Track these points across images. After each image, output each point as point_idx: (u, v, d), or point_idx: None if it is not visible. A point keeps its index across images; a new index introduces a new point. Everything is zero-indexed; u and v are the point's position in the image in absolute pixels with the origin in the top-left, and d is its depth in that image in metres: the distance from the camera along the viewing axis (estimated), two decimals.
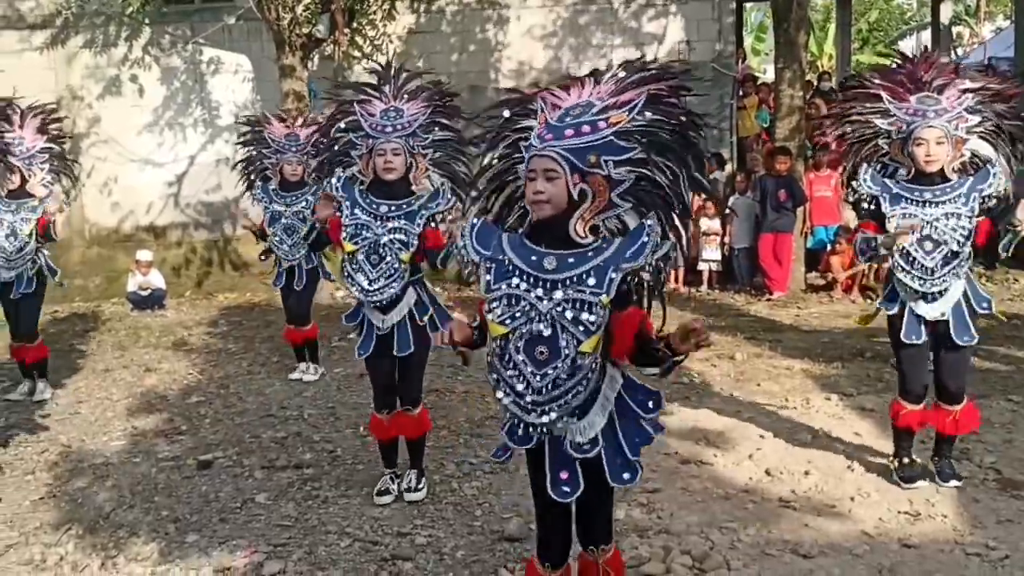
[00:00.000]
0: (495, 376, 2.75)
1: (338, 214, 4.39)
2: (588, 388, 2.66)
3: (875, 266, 8.92)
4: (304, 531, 4.24)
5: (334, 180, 4.41)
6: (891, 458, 4.63)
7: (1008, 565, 3.69)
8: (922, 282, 4.21)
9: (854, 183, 4.44)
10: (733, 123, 11.85)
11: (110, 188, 11.68)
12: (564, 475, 2.74)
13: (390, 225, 4.29)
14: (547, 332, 2.62)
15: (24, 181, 6.28)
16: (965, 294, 4.28)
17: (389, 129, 4.29)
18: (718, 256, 10.47)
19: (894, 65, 4.77)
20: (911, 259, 4.20)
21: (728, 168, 11.37)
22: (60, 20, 11.17)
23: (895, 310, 4.36)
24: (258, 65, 11.47)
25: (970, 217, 4.16)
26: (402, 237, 4.28)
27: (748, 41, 20.54)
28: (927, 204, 4.21)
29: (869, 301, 8.76)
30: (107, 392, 6.86)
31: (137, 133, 11.58)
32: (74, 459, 5.35)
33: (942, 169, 4.24)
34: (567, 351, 2.61)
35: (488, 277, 2.71)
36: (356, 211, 4.31)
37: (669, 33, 11.66)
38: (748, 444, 5.14)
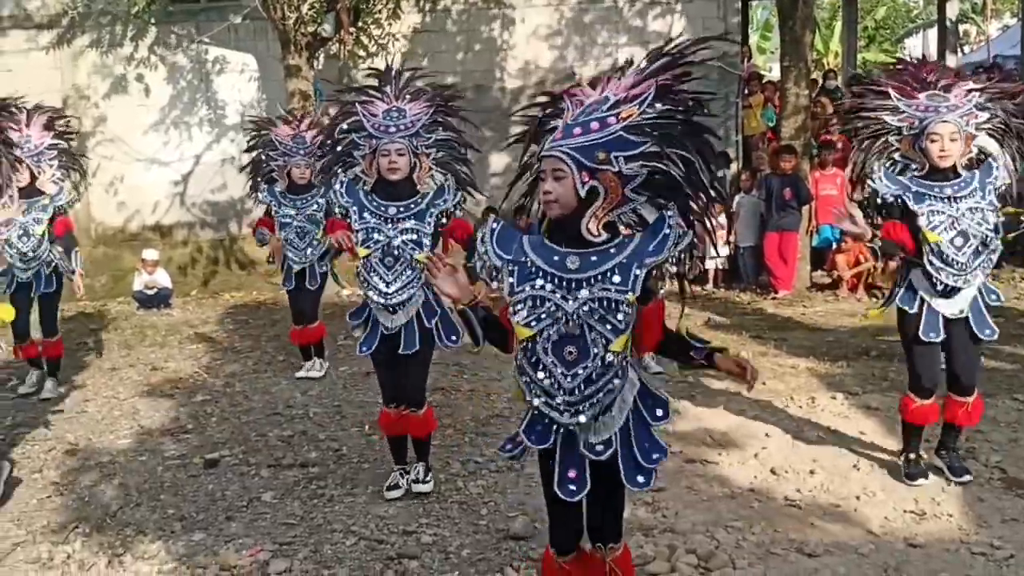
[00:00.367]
0: (525, 379, 2.74)
1: (347, 221, 4.37)
2: (618, 387, 2.68)
3: (881, 265, 8.90)
4: (310, 529, 4.25)
5: (337, 187, 4.39)
6: (899, 454, 4.64)
7: (1013, 564, 3.69)
8: (956, 277, 4.21)
9: (871, 184, 4.42)
10: (738, 122, 11.84)
11: (116, 187, 11.71)
12: (572, 474, 2.75)
13: (401, 226, 4.29)
14: (574, 332, 2.63)
15: (34, 179, 6.30)
16: (979, 289, 4.30)
17: (392, 129, 4.28)
18: (724, 254, 10.46)
19: (897, 67, 4.77)
20: (944, 256, 4.20)
21: (733, 167, 11.36)
22: (66, 20, 11.20)
23: (916, 308, 4.34)
24: (263, 64, 11.49)
25: (992, 210, 4.19)
26: (414, 237, 4.29)
27: (753, 39, 20.51)
28: (951, 200, 4.21)
29: (875, 299, 8.75)
30: (114, 391, 6.89)
31: (143, 132, 11.61)
32: (81, 457, 5.37)
33: (954, 164, 4.25)
34: (596, 350, 2.62)
35: (511, 280, 2.70)
36: (365, 215, 4.31)
37: (675, 31, 11.65)
38: (753, 443, 5.14)
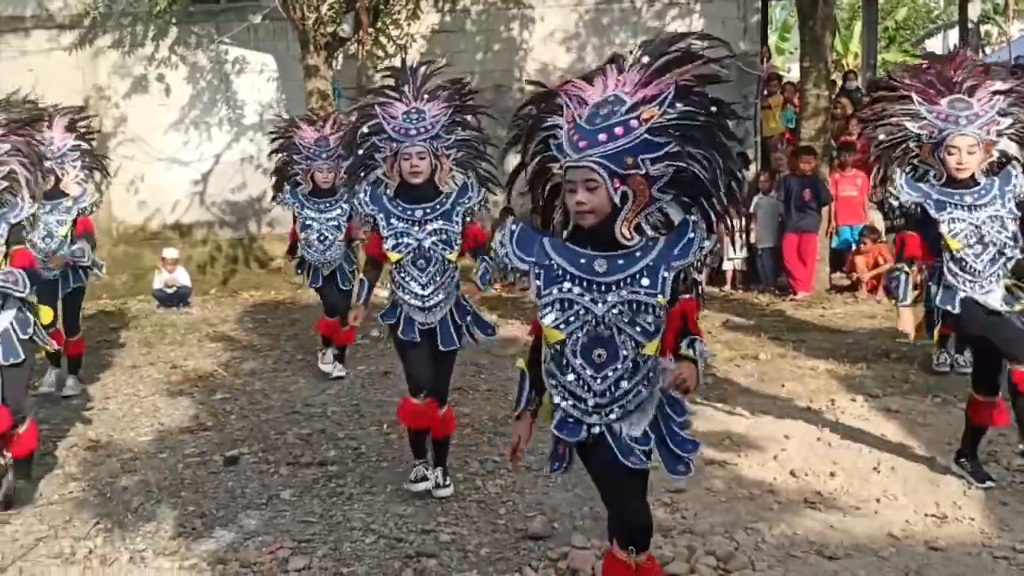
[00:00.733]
0: (553, 382, 2.75)
1: (374, 231, 4.41)
2: (647, 389, 2.69)
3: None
4: (329, 527, 4.27)
5: (361, 195, 4.42)
6: (957, 459, 4.59)
7: None
8: (972, 285, 4.24)
9: (892, 189, 4.43)
10: (757, 122, 11.79)
11: (137, 186, 11.76)
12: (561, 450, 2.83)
13: (429, 228, 4.32)
14: (604, 335, 2.63)
15: (57, 180, 6.35)
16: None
17: (413, 132, 4.30)
18: (743, 255, 10.42)
19: (924, 65, 4.74)
20: (963, 263, 4.23)
21: (752, 168, 11.31)
22: (88, 20, 11.25)
23: (957, 308, 4.31)
24: (283, 64, 11.52)
25: (1012, 219, 4.20)
26: (444, 237, 4.33)
27: (772, 40, 20.40)
28: (971, 208, 4.23)
29: (894, 302, 8.66)
30: (134, 388, 6.94)
31: (163, 132, 11.67)
32: (103, 454, 5.41)
33: (973, 173, 4.26)
34: (625, 352, 2.64)
35: (538, 283, 2.71)
36: (392, 221, 4.34)
37: (694, 32, 11.60)
38: (772, 445, 5.12)
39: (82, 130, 6.66)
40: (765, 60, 12.89)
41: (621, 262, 2.64)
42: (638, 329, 2.62)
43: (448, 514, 4.36)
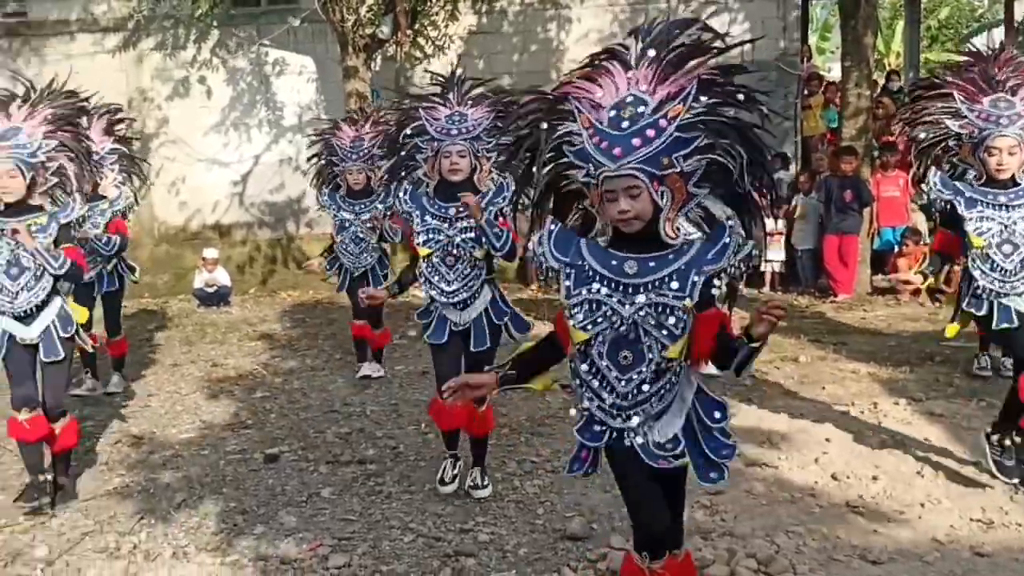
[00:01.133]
0: (578, 381, 2.74)
1: (410, 225, 4.50)
2: (672, 393, 2.67)
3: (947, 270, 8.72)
4: (368, 525, 4.30)
5: (402, 195, 4.51)
6: (990, 435, 4.48)
7: None
8: (1001, 284, 4.21)
9: (924, 187, 4.44)
10: (797, 122, 11.68)
11: (178, 188, 11.94)
12: (584, 454, 2.81)
13: (460, 225, 4.39)
14: (630, 336, 2.62)
15: (96, 183, 6.42)
16: None
17: (454, 132, 4.39)
18: (782, 257, 10.33)
19: (968, 62, 4.67)
20: (991, 263, 4.20)
21: (792, 168, 11.21)
22: (132, 23, 11.45)
23: (984, 310, 4.31)
24: (322, 66, 11.63)
25: None
26: (473, 236, 4.38)
27: (813, 39, 20.20)
28: (1003, 208, 4.21)
29: (938, 304, 8.55)
30: (176, 386, 7.03)
31: (204, 134, 11.82)
32: (145, 450, 5.49)
33: (1012, 174, 4.25)
34: (650, 355, 2.61)
35: (568, 283, 2.69)
36: (427, 218, 4.43)
37: (732, 31, 11.53)
38: (814, 447, 5.06)
39: (120, 133, 6.72)
40: (805, 60, 12.75)
41: (652, 264, 2.61)
42: (664, 332, 2.59)
43: (486, 514, 4.37)
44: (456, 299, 4.41)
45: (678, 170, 2.56)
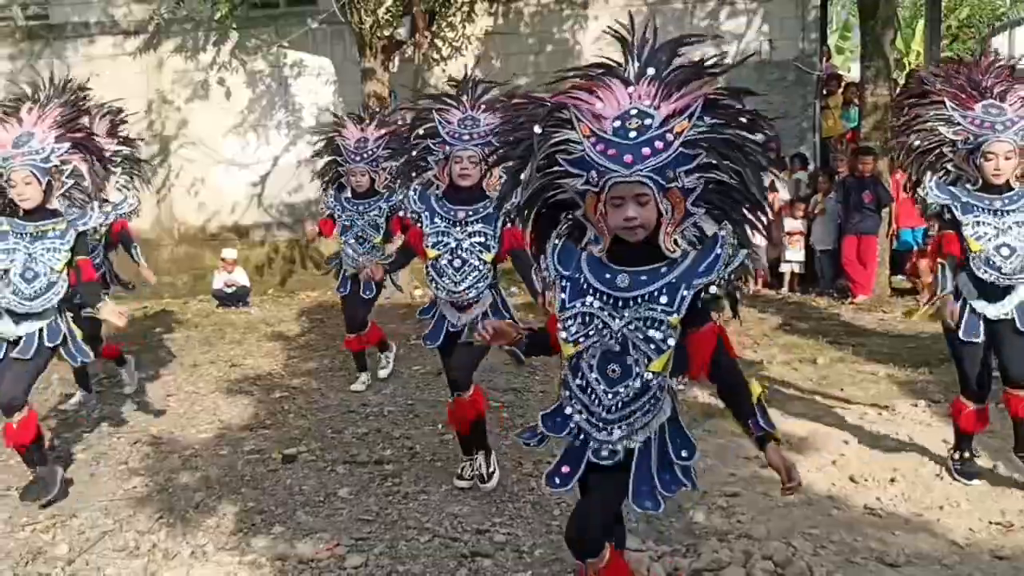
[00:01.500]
0: (567, 392, 2.77)
1: (418, 226, 4.53)
2: (657, 408, 2.67)
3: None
4: (385, 526, 4.31)
5: (411, 193, 4.57)
6: (951, 451, 4.68)
7: None
8: (997, 276, 4.26)
9: (920, 192, 4.52)
10: (816, 122, 11.62)
11: (197, 189, 12.03)
12: (565, 469, 2.80)
13: (469, 229, 4.44)
14: (619, 350, 2.63)
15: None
16: None
17: (466, 137, 4.42)
18: (801, 257, 10.28)
19: (953, 69, 4.69)
20: (991, 262, 4.26)
21: (810, 168, 11.16)
22: (152, 26, 11.52)
23: (956, 306, 4.39)
24: (340, 68, 11.68)
25: None
26: (481, 240, 4.43)
27: (832, 40, 20.08)
28: (999, 213, 4.28)
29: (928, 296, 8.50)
30: (195, 386, 7.07)
31: (223, 135, 11.90)
32: (165, 450, 5.53)
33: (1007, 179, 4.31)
34: (637, 369, 2.62)
35: (563, 296, 2.72)
36: (436, 220, 4.47)
37: (750, 31, 11.49)
38: (831, 450, 5.05)
39: (123, 135, 6.62)
40: (825, 60, 12.68)
41: (644, 278, 2.61)
42: (651, 346, 2.60)
43: (503, 514, 4.38)
44: (463, 298, 4.46)
45: (680, 185, 2.57)
